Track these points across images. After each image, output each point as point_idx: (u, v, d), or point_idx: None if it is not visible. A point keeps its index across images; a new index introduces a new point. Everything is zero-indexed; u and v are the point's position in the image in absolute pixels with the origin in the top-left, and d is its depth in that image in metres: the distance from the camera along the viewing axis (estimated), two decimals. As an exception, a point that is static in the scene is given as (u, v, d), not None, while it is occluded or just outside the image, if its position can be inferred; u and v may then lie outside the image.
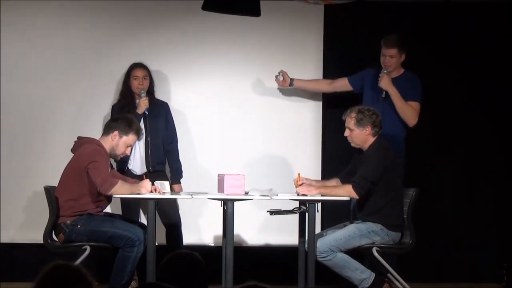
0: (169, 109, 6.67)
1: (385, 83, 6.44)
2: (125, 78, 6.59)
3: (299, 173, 5.93)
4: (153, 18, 7.00)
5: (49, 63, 6.92)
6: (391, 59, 6.49)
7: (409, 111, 6.45)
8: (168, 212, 6.41)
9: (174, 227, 6.45)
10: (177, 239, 6.47)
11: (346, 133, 5.94)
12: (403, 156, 6.51)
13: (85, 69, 6.94)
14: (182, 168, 6.72)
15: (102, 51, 6.95)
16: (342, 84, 6.75)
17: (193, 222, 6.99)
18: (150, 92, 6.59)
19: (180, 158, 6.78)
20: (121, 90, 6.60)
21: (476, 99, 7.16)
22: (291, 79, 6.82)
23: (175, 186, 6.52)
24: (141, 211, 6.60)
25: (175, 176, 6.58)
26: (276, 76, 6.83)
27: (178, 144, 6.80)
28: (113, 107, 6.60)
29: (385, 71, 6.47)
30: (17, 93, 6.89)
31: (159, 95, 6.89)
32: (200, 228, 6.99)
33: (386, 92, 6.44)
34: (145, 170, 6.43)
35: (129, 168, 6.40)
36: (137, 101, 6.49)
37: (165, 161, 6.60)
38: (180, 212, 6.75)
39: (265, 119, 7.08)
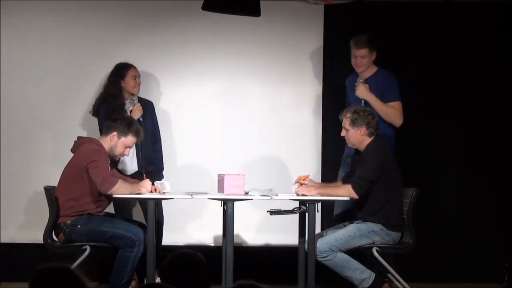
0: (154, 108, 6.63)
1: (361, 92, 6.34)
2: (115, 79, 6.44)
3: (308, 175, 5.93)
4: (153, 18, 7.00)
5: (50, 63, 6.92)
6: (363, 59, 6.39)
7: (392, 113, 6.34)
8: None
9: (157, 224, 6.38)
10: (158, 237, 6.41)
11: (343, 133, 5.95)
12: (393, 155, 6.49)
13: (86, 68, 6.94)
14: (182, 168, 6.71)
15: (103, 51, 6.95)
16: None
17: (193, 222, 7.00)
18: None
19: (180, 158, 6.78)
20: (110, 91, 6.42)
21: (476, 99, 7.16)
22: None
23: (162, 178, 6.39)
24: (137, 210, 6.59)
25: (158, 174, 6.47)
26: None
27: (178, 144, 6.80)
28: (100, 110, 6.40)
29: (360, 80, 6.37)
30: (17, 93, 6.89)
31: (159, 95, 6.90)
32: (200, 228, 7.00)
33: (365, 101, 6.33)
34: (135, 170, 6.38)
35: (119, 168, 6.36)
36: (128, 103, 6.45)
37: (153, 161, 6.58)
38: (181, 212, 6.75)
39: (265, 119, 7.08)
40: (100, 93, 6.49)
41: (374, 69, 6.48)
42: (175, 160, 6.86)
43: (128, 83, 6.46)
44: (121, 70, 6.46)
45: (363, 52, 6.38)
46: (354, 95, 6.43)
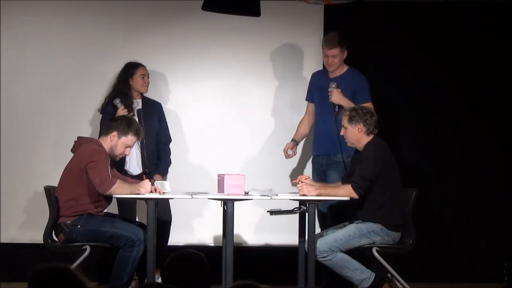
0: (162, 109, 6.64)
1: (336, 98, 6.29)
2: (124, 77, 6.47)
3: (308, 176, 5.93)
4: (153, 18, 7.00)
5: (50, 64, 6.92)
6: (334, 59, 6.34)
7: None
8: (161, 209, 6.17)
9: (164, 224, 6.38)
10: (164, 237, 6.39)
11: (342, 132, 5.95)
12: None
13: (86, 69, 6.94)
14: (182, 168, 6.71)
15: (103, 51, 6.95)
16: (311, 108, 6.60)
17: (193, 222, 7.00)
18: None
19: (181, 158, 6.78)
20: (120, 90, 6.43)
21: (476, 99, 7.16)
22: (292, 140, 6.61)
23: (156, 176, 6.33)
24: (137, 210, 6.59)
25: (161, 172, 6.45)
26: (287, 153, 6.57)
27: (178, 144, 6.80)
28: (108, 109, 6.41)
29: (333, 86, 6.31)
30: (18, 93, 6.90)
31: (159, 95, 6.90)
32: (200, 228, 7.00)
33: (339, 105, 6.28)
34: (140, 171, 6.39)
35: (126, 169, 6.37)
36: (135, 102, 6.46)
37: (158, 162, 6.57)
38: (181, 212, 6.74)
39: (265, 119, 7.08)
40: (110, 92, 6.50)
41: (344, 68, 6.45)
42: (175, 160, 6.85)
43: (136, 81, 6.47)
44: (130, 69, 6.48)
45: (334, 51, 6.34)
46: (321, 100, 6.37)
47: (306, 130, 6.69)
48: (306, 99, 6.66)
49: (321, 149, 6.43)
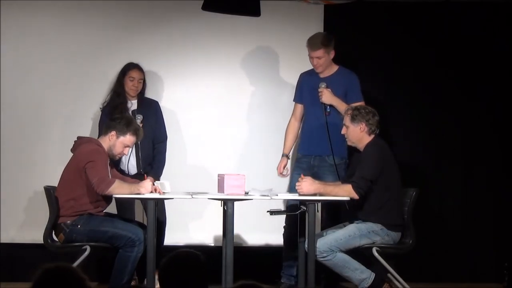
0: (159, 107, 6.62)
1: (327, 98, 6.23)
2: (119, 77, 6.49)
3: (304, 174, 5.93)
4: (152, 18, 7.00)
5: (51, 63, 6.92)
6: (319, 60, 6.27)
7: None
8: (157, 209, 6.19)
9: (160, 225, 6.37)
10: (160, 237, 6.37)
11: (343, 130, 5.94)
12: None
13: (86, 69, 6.94)
14: (182, 168, 6.70)
15: (103, 51, 6.95)
16: (300, 110, 6.53)
17: (193, 222, 7.00)
18: (141, 93, 6.55)
19: (180, 158, 6.77)
20: (114, 89, 6.49)
21: (476, 99, 7.16)
22: (284, 156, 6.49)
23: (149, 179, 6.18)
24: (139, 210, 6.59)
25: (155, 174, 6.37)
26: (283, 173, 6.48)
27: (178, 144, 6.79)
28: (104, 108, 6.47)
29: (323, 86, 6.25)
30: (17, 92, 6.90)
31: (159, 95, 6.89)
32: (200, 228, 6.99)
33: (330, 106, 6.24)
34: (136, 172, 6.38)
35: (122, 169, 6.35)
36: (129, 103, 6.46)
37: (152, 162, 6.55)
38: (181, 212, 6.74)
39: (265, 119, 7.08)
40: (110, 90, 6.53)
41: (334, 68, 6.39)
42: (175, 160, 6.85)
43: (125, 83, 6.47)
44: (125, 69, 6.51)
45: (318, 53, 6.26)
46: (312, 101, 6.32)
47: (295, 138, 6.56)
48: (294, 100, 6.58)
49: (313, 150, 6.36)
